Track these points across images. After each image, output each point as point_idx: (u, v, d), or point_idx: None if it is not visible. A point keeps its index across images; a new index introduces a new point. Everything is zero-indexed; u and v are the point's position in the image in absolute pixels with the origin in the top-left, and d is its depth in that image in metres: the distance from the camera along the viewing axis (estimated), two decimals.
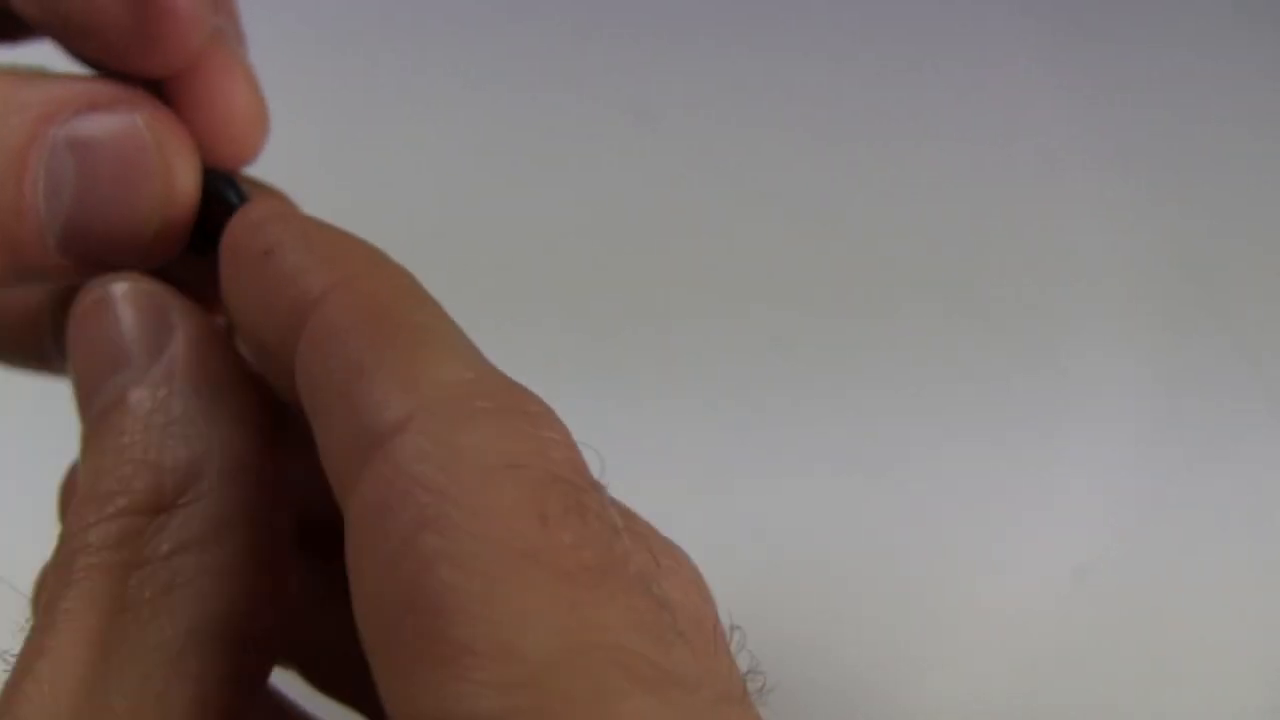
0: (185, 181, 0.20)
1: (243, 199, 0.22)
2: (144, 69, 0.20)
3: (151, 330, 0.20)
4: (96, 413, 0.19)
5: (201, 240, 0.21)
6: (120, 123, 0.20)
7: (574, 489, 0.15)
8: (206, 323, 0.20)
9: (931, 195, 0.59)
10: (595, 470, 0.17)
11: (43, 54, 0.22)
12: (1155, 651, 0.49)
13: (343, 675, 0.24)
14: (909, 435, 0.53)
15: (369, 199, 0.55)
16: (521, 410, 0.16)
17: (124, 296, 0.20)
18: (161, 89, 0.21)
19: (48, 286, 0.24)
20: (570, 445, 0.16)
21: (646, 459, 0.51)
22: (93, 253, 0.20)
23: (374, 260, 0.19)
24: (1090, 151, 0.61)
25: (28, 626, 0.18)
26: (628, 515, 0.18)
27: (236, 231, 0.20)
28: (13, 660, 0.17)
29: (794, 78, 0.61)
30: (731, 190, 0.58)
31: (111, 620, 0.17)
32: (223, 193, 0.21)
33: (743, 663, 0.17)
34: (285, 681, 0.24)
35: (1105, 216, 0.59)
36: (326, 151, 0.54)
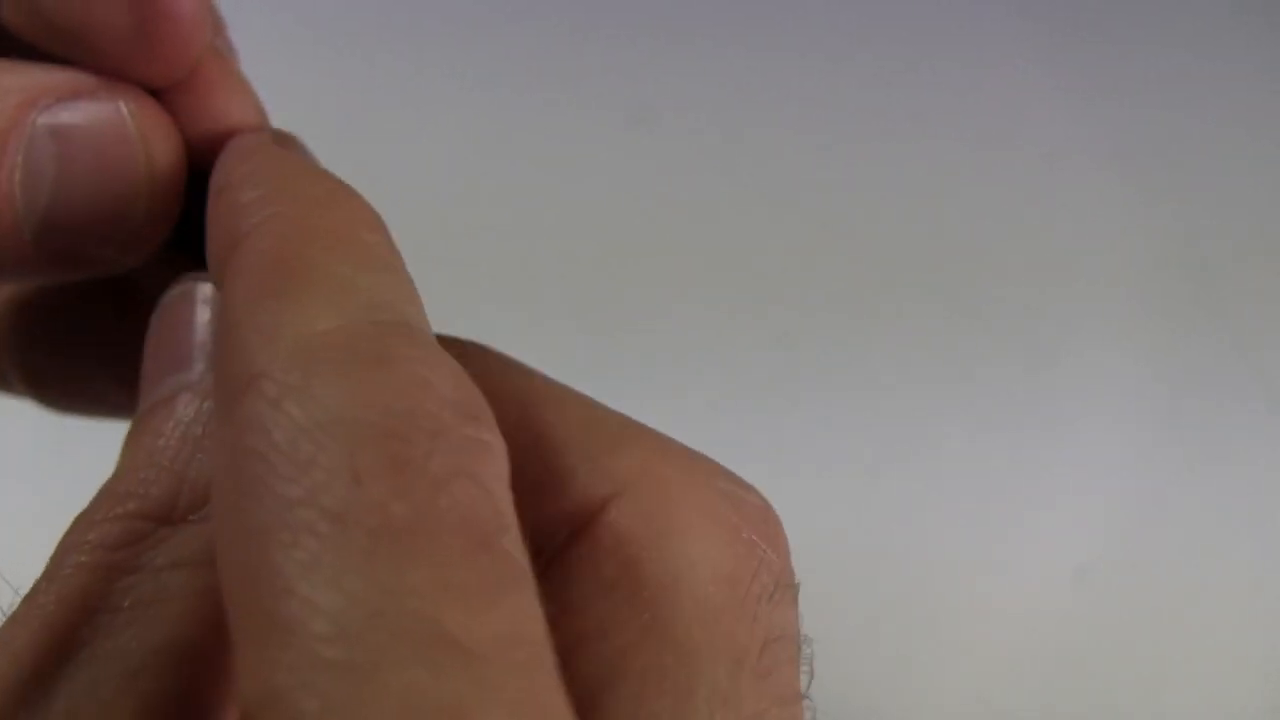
0: (168, 171, 0.20)
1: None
2: (142, 77, 0.20)
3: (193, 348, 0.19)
4: (144, 409, 0.19)
5: (192, 244, 0.21)
6: (103, 110, 0.19)
7: (399, 439, 0.14)
8: None
9: (932, 196, 0.59)
10: None
11: None
12: (1155, 651, 0.49)
13: None
14: (909, 435, 0.53)
15: (371, 197, 0.55)
16: (377, 356, 0.14)
17: (205, 298, 0.19)
18: (158, 99, 0.21)
19: (14, 284, 0.23)
20: (428, 383, 0.14)
21: None
22: (70, 246, 0.19)
23: (310, 196, 0.18)
24: (1090, 152, 0.61)
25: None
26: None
27: (214, 172, 0.19)
28: None
29: (795, 78, 0.61)
30: (733, 191, 0.58)
31: (81, 620, 0.17)
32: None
33: (801, 682, 0.17)
34: None
35: (1106, 217, 0.59)
36: (327, 151, 0.54)
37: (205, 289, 0.19)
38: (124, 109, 0.19)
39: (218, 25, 0.23)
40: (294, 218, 0.17)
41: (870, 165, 0.59)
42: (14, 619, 0.17)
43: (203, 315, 0.19)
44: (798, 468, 0.52)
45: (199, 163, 0.21)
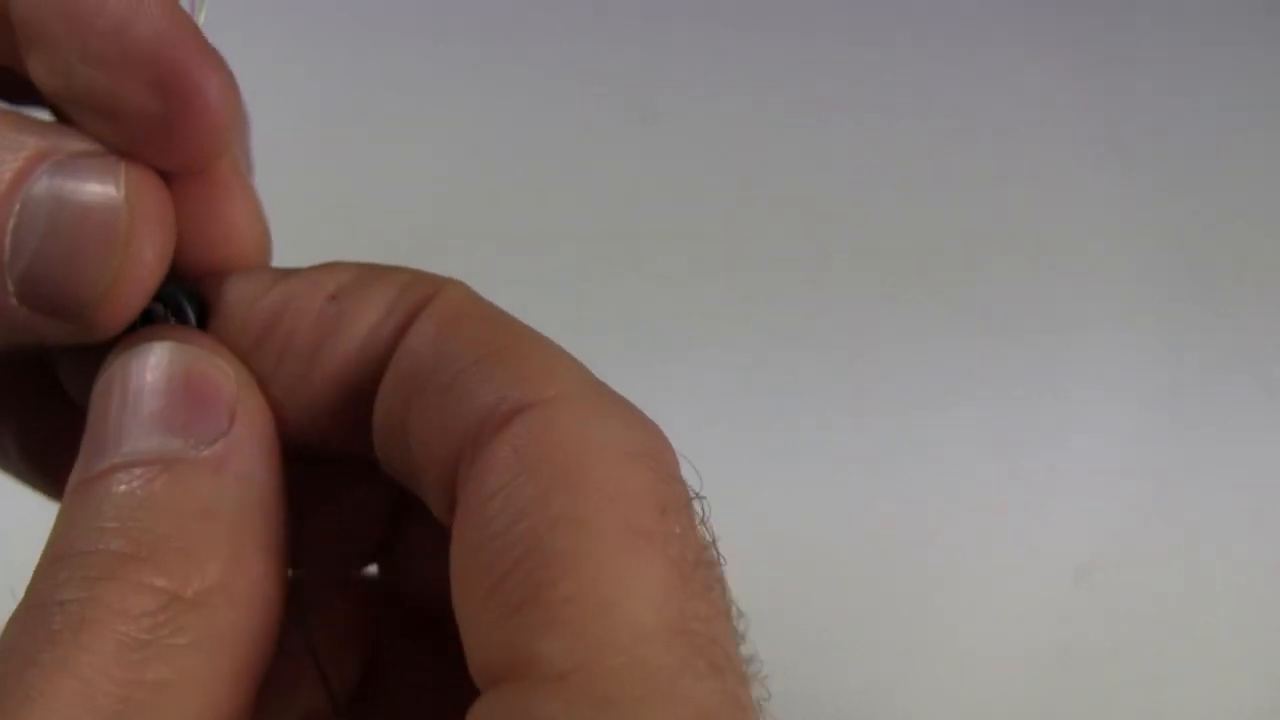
0: (148, 262, 0.20)
1: (200, 317, 0.21)
2: (161, 161, 0.20)
3: (205, 409, 0.19)
4: (128, 459, 0.18)
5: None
6: (101, 186, 0.19)
7: (687, 490, 0.17)
8: (268, 414, 0.20)
9: (934, 194, 0.59)
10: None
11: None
12: (1155, 651, 0.49)
13: None
14: (910, 436, 0.53)
15: (376, 196, 0.55)
16: (641, 415, 0.18)
17: (188, 364, 0.19)
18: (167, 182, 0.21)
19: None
20: (676, 456, 0.17)
21: None
22: (45, 306, 0.19)
23: (457, 281, 0.20)
24: (1092, 151, 0.61)
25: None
26: None
27: (297, 287, 0.20)
28: None
29: (799, 75, 0.61)
30: (738, 187, 0.58)
31: (115, 692, 0.16)
32: (179, 304, 0.21)
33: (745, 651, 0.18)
34: None
35: (1108, 218, 0.59)
36: (337, 147, 0.54)
37: (198, 357, 0.19)
38: (121, 191, 0.19)
39: (243, 126, 0.23)
40: (575, 415, 0.18)
41: (873, 161, 0.59)
42: (43, 664, 0.16)
43: (197, 384, 0.19)
44: (798, 466, 0.52)
45: (188, 255, 0.21)
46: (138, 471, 0.18)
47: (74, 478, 0.19)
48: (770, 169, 0.59)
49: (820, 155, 0.60)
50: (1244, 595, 0.50)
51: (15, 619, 0.17)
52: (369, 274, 0.20)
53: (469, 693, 0.17)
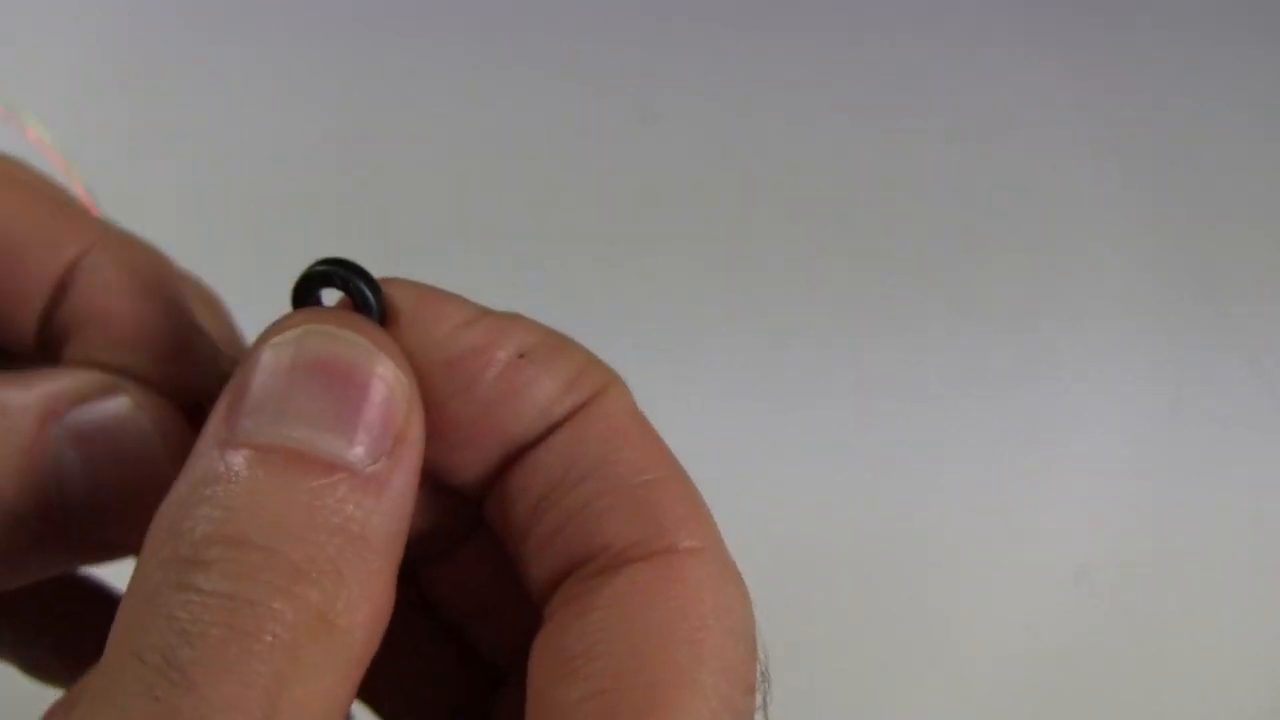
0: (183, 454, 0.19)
1: (382, 316, 0.20)
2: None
3: (385, 425, 0.18)
4: (281, 440, 0.18)
5: None
6: (116, 405, 0.20)
7: (762, 673, 0.19)
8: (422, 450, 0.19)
9: (934, 194, 0.59)
10: None
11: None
12: (1155, 651, 0.49)
13: None
14: (910, 436, 0.53)
15: (376, 196, 0.55)
16: (743, 585, 0.20)
17: (383, 375, 0.19)
18: None
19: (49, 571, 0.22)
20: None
21: None
22: (104, 534, 0.20)
23: (620, 379, 0.21)
24: (1092, 152, 0.61)
25: None
26: None
27: (494, 332, 0.20)
28: None
29: (798, 75, 0.61)
30: (737, 187, 0.58)
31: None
32: (361, 292, 0.20)
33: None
34: None
35: (1108, 219, 0.59)
36: (341, 148, 0.54)
37: (385, 363, 0.19)
38: (131, 401, 0.20)
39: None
40: (620, 388, 0.21)
41: (873, 160, 0.59)
42: (213, 664, 0.16)
43: (378, 391, 0.18)
44: (799, 466, 0.52)
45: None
46: (302, 466, 0.17)
47: (219, 424, 0.18)
48: (770, 168, 0.59)
49: (820, 155, 0.59)
50: (1244, 595, 0.51)
51: (162, 566, 0.16)
52: (556, 344, 0.20)
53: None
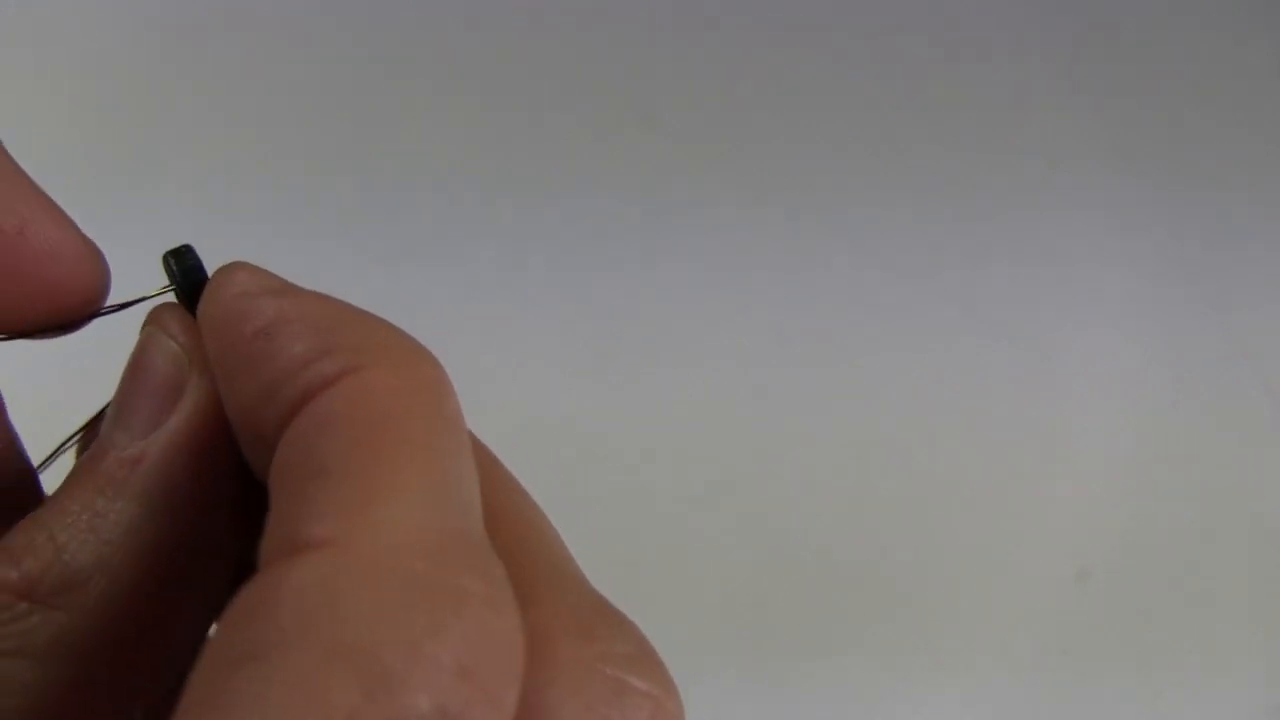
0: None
1: (194, 294, 0.20)
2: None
3: (162, 397, 0.18)
4: (90, 452, 0.18)
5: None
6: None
7: (403, 711, 0.13)
8: (209, 415, 0.18)
9: (934, 197, 0.59)
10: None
11: None
12: (1156, 651, 0.49)
13: None
14: (910, 436, 0.53)
15: (375, 197, 0.55)
16: (443, 593, 0.14)
17: (161, 350, 0.19)
18: None
19: None
20: (490, 641, 0.14)
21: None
22: None
23: (394, 349, 0.17)
24: (1091, 151, 0.61)
25: None
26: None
27: (223, 306, 0.18)
28: None
29: (797, 76, 0.61)
30: (733, 195, 0.58)
31: None
32: (184, 270, 0.20)
33: None
34: None
35: (1108, 217, 0.59)
36: (333, 152, 0.54)
37: (169, 345, 0.19)
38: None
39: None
40: (386, 380, 0.17)
41: (873, 160, 0.59)
42: None
43: (155, 365, 0.19)
44: (800, 466, 0.52)
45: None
46: (85, 462, 0.18)
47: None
48: (771, 168, 0.59)
49: (820, 155, 0.59)
50: (1244, 595, 0.51)
51: None
52: (318, 321, 0.18)
53: None
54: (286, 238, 0.51)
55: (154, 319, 0.19)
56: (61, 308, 0.20)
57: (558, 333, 0.53)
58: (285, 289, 0.19)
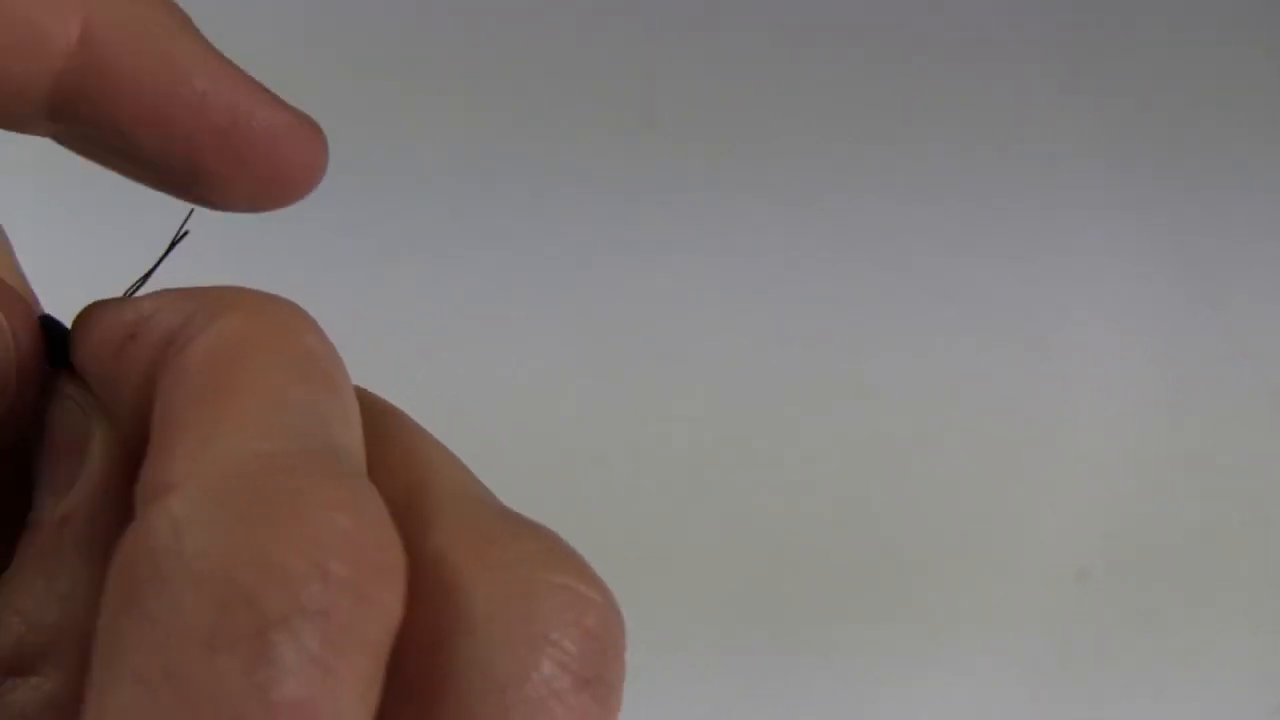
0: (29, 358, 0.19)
1: (61, 353, 0.20)
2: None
3: (70, 454, 0.19)
4: (35, 520, 0.18)
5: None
6: None
7: (269, 618, 0.14)
8: (116, 453, 0.18)
9: (934, 197, 0.59)
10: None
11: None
12: (1156, 651, 0.49)
13: None
14: (910, 436, 0.53)
15: (373, 200, 0.55)
16: (291, 495, 0.14)
17: (58, 410, 0.19)
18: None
19: None
20: (346, 541, 0.14)
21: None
22: None
23: (245, 302, 0.17)
24: (1091, 151, 0.61)
25: None
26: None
27: (91, 341, 0.19)
28: None
29: (796, 77, 0.61)
30: (732, 196, 0.58)
31: None
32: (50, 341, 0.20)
33: None
34: None
35: (1108, 216, 0.59)
36: (333, 150, 0.54)
37: (63, 403, 0.19)
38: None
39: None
40: (233, 327, 0.17)
41: (873, 161, 0.59)
42: None
43: (56, 418, 0.19)
44: (799, 466, 0.52)
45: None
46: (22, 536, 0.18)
47: None
48: (771, 169, 0.59)
49: (821, 155, 0.60)
50: (1244, 595, 0.51)
51: None
52: (169, 305, 0.18)
53: None
54: (285, 237, 0.51)
55: (46, 392, 0.19)
56: (289, 182, 0.21)
57: (557, 332, 0.53)
58: (141, 298, 0.19)
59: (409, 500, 0.17)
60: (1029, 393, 0.55)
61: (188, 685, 0.13)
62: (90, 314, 0.19)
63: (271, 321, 0.17)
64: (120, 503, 0.18)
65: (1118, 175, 0.60)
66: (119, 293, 0.21)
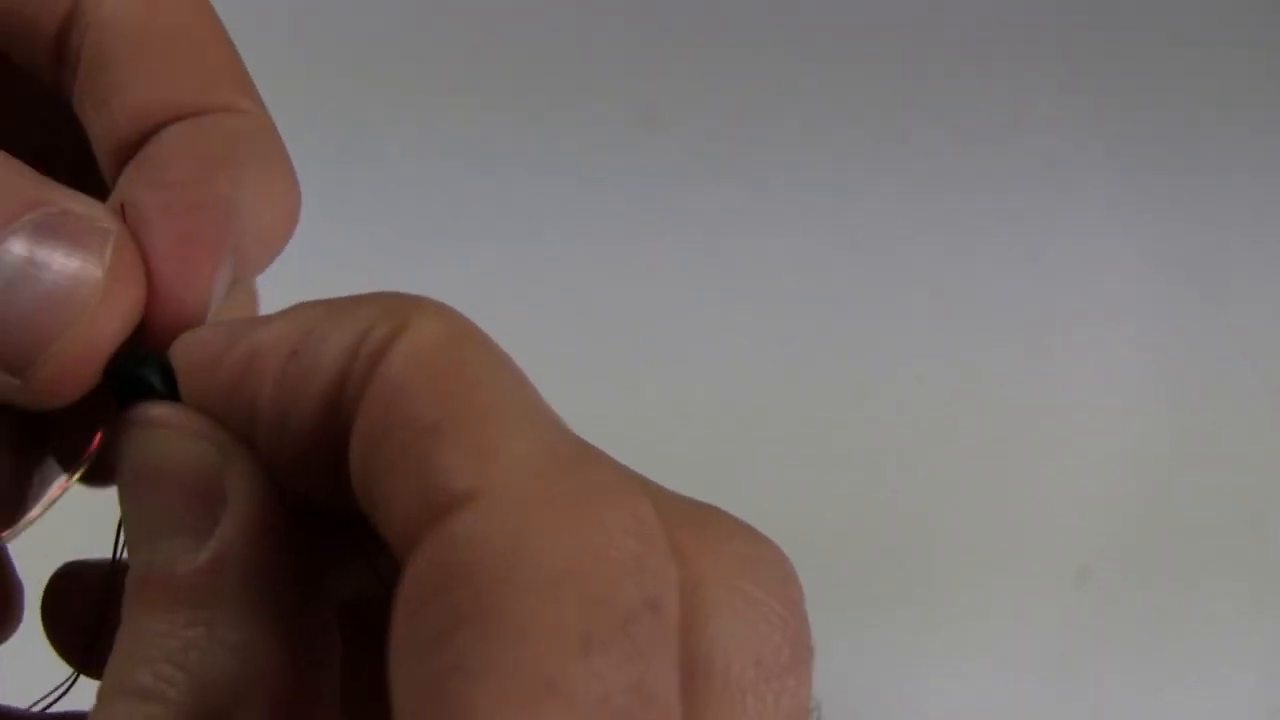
0: (100, 344, 0.18)
1: (170, 386, 0.19)
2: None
3: (204, 492, 0.17)
4: (142, 575, 0.17)
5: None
6: (80, 264, 0.18)
7: (624, 612, 0.14)
8: (265, 486, 0.18)
9: (934, 198, 0.59)
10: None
11: None
12: (1156, 651, 0.49)
13: None
14: (911, 435, 0.53)
15: (372, 203, 0.55)
16: (596, 495, 0.15)
17: (181, 436, 0.18)
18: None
19: None
20: (642, 534, 0.15)
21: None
22: None
23: (414, 304, 0.17)
24: (1092, 152, 0.61)
25: None
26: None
27: (231, 363, 0.18)
28: None
29: (796, 79, 0.61)
30: (731, 198, 0.58)
31: None
32: (143, 375, 0.19)
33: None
34: None
35: (1109, 217, 0.59)
36: (331, 152, 0.54)
37: (175, 438, 0.18)
38: (103, 268, 0.19)
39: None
40: (436, 330, 0.17)
41: (873, 161, 0.59)
42: None
43: (181, 462, 0.18)
44: (798, 466, 0.52)
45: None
46: (150, 593, 0.17)
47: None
48: (770, 169, 0.59)
49: (821, 156, 0.59)
50: (1244, 595, 0.51)
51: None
52: (331, 316, 0.17)
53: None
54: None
55: (143, 422, 0.18)
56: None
57: (556, 332, 0.53)
58: (256, 320, 0.18)
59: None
60: (1029, 392, 0.54)
61: (575, 691, 0.13)
62: (199, 343, 0.18)
63: (463, 322, 0.17)
64: (277, 538, 0.17)
65: (1118, 175, 0.60)
66: None
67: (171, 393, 0.18)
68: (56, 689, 0.19)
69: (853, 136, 0.60)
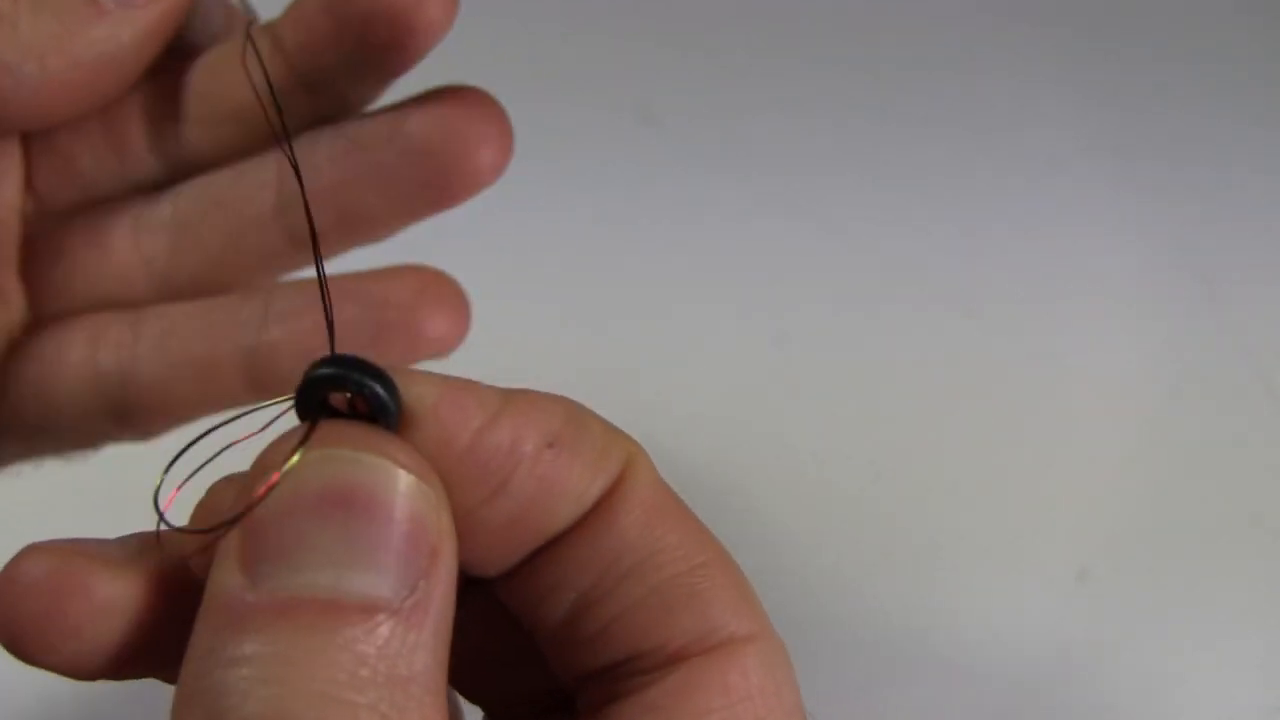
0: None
1: (394, 400, 0.18)
2: None
3: (417, 541, 0.17)
4: (319, 597, 0.16)
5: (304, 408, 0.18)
6: None
7: None
8: (457, 555, 0.18)
9: (934, 198, 0.59)
10: None
11: None
12: (1156, 651, 0.49)
13: None
14: (910, 436, 0.53)
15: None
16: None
17: (406, 493, 0.17)
18: None
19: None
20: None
21: None
22: None
23: (620, 435, 0.20)
24: (1092, 152, 0.61)
25: None
26: None
27: (498, 432, 0.18)
28: None
29: (796, 80, 0.61)
30: (732, 198, 0.59)
31: None
32: (379, 399, 0.18)
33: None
34: None
35: (1108, 218, 0.59)
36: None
37: (406, 480, 0.17)
38: None
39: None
40: (653, 474, 0.20)
41: (874, 162, 0.60)
42: None
43: (402, 512, 0.17)
44: (797, 466, 0.52)
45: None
46: (337, 616, 0.16)
47: (235, 570, 0.17)
48: (771, 169, 0.59)
49: (821, 156, 0.60)
50: (1244, 595, 0.51)
51: None
52: (578, 422, 0.19)
53: None
54: None
55: (369, 447, 0.17)
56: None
57: (556, 332, 0.53)
58: (510, 394, 0.19)
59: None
60: (1029, 392, 0.55)
61: None
62: (468, 399, 0.18)
63: (651, 468, 0.20)
64: (452, 595, 0.17)
65: (1117, 173, 0.60)
66: None
67: (389, 419, 0.18)
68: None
69: (851, 135, 0.60)
